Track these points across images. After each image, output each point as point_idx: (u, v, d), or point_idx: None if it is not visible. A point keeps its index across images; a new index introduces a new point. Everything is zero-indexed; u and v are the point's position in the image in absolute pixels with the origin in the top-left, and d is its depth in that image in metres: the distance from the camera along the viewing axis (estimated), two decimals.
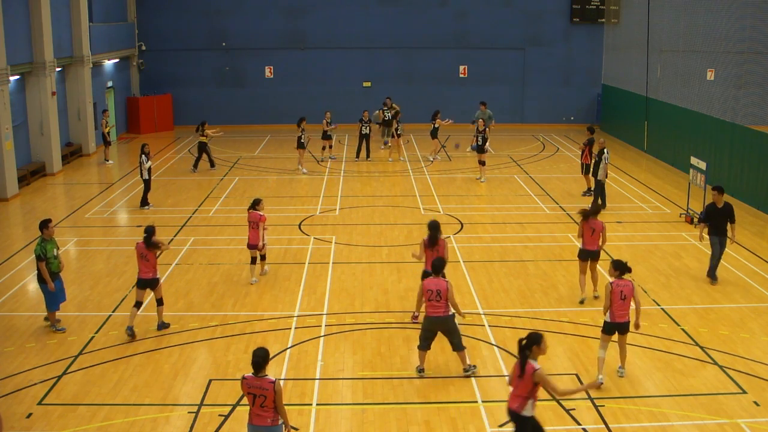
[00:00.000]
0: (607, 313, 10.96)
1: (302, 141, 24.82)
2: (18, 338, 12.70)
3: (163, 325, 13.03)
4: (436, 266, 11.17)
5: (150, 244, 12.74)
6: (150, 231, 12.87)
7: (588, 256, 13.95)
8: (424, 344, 11.28)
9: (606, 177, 20.35)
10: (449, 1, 34.51)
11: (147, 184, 20.92)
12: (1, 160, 21.69)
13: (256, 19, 34.37)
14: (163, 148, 30.24)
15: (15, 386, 11.01)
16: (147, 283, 12.87)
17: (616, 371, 11.30)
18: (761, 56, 24.46)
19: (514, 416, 8.49)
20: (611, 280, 11.02)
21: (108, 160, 27.31)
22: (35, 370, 11.53)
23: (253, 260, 15.26)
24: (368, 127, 27.08)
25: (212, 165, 25.99)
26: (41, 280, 12.77)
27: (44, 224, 12.92)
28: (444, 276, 11.16)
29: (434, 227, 12.62)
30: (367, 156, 27.43)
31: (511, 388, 8.55)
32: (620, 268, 11.01)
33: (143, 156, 20.58)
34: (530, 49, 34.94)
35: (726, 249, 15.33)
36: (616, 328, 10.98)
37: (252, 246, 15.13)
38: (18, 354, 12.09)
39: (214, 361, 11.80)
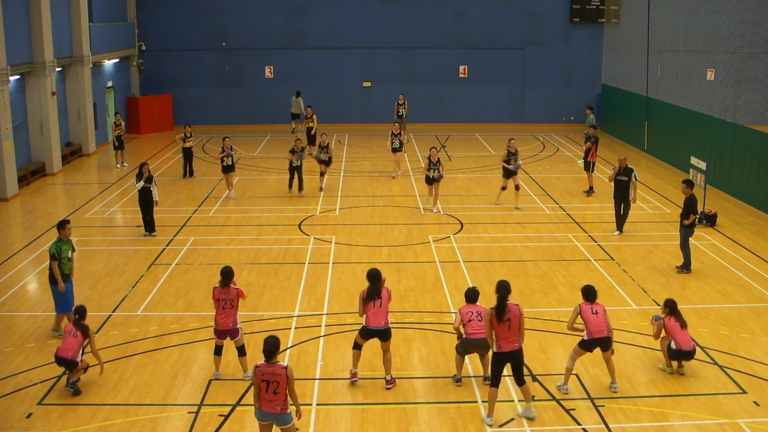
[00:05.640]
0: (585, 331, 10.61)
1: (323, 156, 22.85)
2: (18, 338, 12.70)
3: (71, 386, 10.75)
4: (472, 296, 11.02)
5: (79, 322, 10.80)
6: (80, 312, 10.95)
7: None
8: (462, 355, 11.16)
9: (635, 199, 18.53)
10: (449, 1, 34.51)
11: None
12: (1, 160, 21.68)
13: (256, 19, 34.38)
14: (163, 148, 30.24)
15: (15, 386, 11.01)
16: (64, 362, 10.71)
17: (608, 387, 10.96)
18: (761, 56, 24.38)
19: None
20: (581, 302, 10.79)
21: (119, 164, 26.47)
22: (35, 370, 11.53)
23: (219, 350, 11.16)
24: (300, 159, 22.31)
25: (190, 174, 24.64)
26: (52, 280, 12.58)
27: (62, 225, 12.73)
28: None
29: (374, 276, 10.83)
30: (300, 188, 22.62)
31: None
32: (586, 294, 10.74)
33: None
34: (530, 49, 34.94)
35: (726, 249, 15.38)
36: (596, 344, 10.62)
37: (224, 332, 10.97)
38: (18, 354, 12.09)
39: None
